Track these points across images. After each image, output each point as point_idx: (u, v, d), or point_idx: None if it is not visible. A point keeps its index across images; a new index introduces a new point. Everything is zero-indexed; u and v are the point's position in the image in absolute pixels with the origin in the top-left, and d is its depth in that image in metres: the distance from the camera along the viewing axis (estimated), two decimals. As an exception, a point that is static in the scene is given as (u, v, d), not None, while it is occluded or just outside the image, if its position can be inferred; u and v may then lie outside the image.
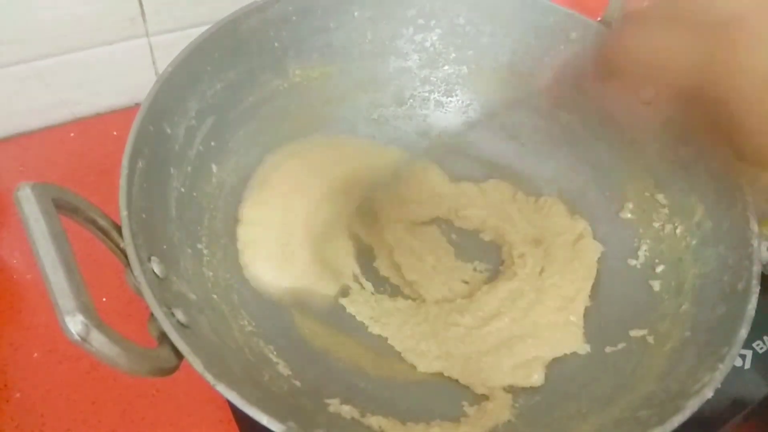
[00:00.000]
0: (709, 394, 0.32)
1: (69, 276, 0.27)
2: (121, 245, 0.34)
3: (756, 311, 0.35)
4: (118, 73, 0.58)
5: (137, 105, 0.55)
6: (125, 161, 0.36)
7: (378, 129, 0.54)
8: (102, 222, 0.34)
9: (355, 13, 0.50)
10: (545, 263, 0.46)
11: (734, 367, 0.33)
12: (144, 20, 0.55)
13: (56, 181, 0.50)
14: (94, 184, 0.54)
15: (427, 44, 0.53)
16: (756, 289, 0.36)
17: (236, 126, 0.47)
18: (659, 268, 0.44)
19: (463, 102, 0.55)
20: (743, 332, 0.34)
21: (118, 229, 0.34)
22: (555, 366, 0.42)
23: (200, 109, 0.44)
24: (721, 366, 0.33)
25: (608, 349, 0.41)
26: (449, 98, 0.55)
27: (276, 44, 0.48)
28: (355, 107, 0.53)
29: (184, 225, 0.41)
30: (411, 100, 0.55)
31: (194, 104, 0.43)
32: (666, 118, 0.42)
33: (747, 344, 0.34)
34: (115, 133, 0.59)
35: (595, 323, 0.44)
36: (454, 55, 0.53)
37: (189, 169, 0.43)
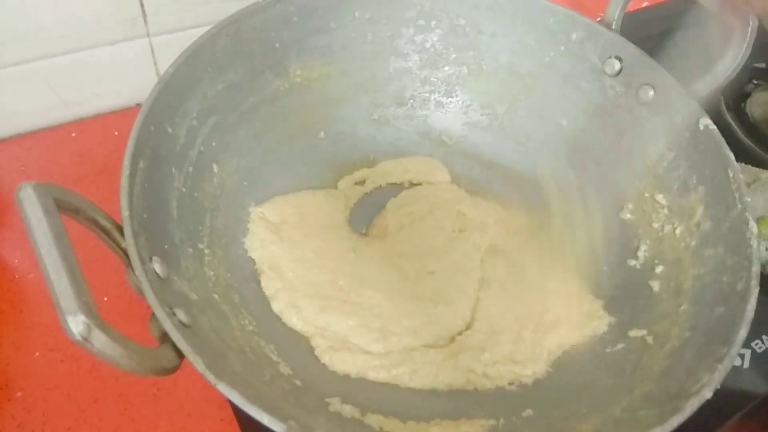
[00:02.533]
0: (708, 394, 0.32)
1: (71, 276, 0.27)
2: (123, 245, 0.34)
3: (755, 311, 0.35)
4: (119, 74, 0.58)
5: (138, 105, 0.55)
6: (127, 161, 0.36)
7: (378, 129, 0.54)
8: (103, 222, 0.34)
9: (356, 14, 0.51)
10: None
11: (733, 367, 0.33)
12: (145, 21, 0.56)
13: (57, 181, 0.50)
14: (95, 184, 0.54)
15: (428, 45, 0.53)
16: (755, 289, 0.36)
17: (237, 126, 0.47)
18: (659, 269, 0.44)
19: (463, 102, 0.55)
20: (742, 333, 0.34)
21: (120, 229, 0.34)
22: (555, 365, 0.42)
23: (202, 110, 0.44)
24: (720, 366, 0.33)
25: (608, 350, 0.41)
26: (450, 99, 0.55)
27: (277, 45, 0.48)
28: (355, 108, 0.53)
29: (186, 225, 0.41)
30: (411, 101, 0.55)
31: (196, 105, 0.44)
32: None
33: (746, 343, 0.35)
34: (116, 133, 0.59)
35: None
36: (454, 55, 0.54)
37: (190, 169, 0.43)
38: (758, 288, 0.36)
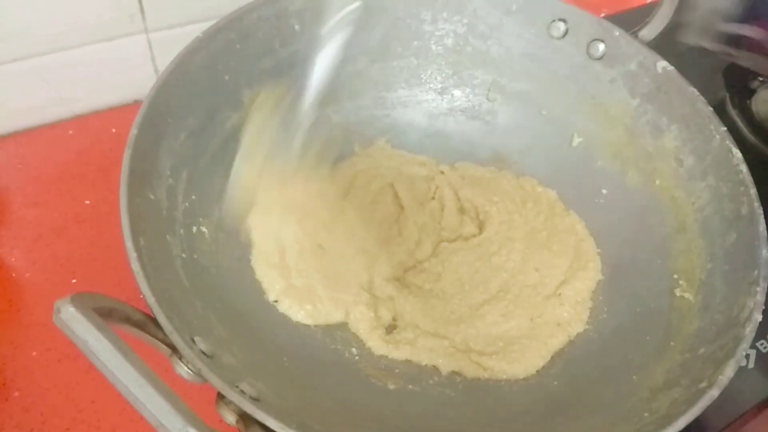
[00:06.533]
0: (759, 317, 0.34)
1: (159, 390, 0.24)
2: (160, 336, 0.31)
3: (762, 312, 0.35)
4: (117, 70, 0.58)
5: (136, 102, 0.58)
6: (130, 244, 0.33)
7: (347, 139, 0.53)
8: (136, 317, 0.31)
9: (296, 27, 0.48)
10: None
11: (738, 367, 0.33)
12: (143, 17, 0.55)
13: (55, 178, 0.54)
14: (93, 181, 0.54)
15: (372, 43, 0.52)
16: (759, 210, 0.38)
17: (210, 173, 0.44)
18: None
19: (420, 94, 0.55)
20: (765, 252, 0.37)
21: (153, 320, 0.31)
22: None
23: (173, 166, 0.41)
24: (758, 289, 0.35)
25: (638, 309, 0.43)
26: (409, 91, 0.54)
27: (226, 77, 0.46)
28: (315, 124, 0.51)
29: (199, 292, 0.38)
30: (369, 104, 0.54)
31: (167, 161, 0.40)
32: None
33: (751, 344, 0.34)
34: (114, 130, 0.58)
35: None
36: (399, 49, 0.53)
37: (181, 231, 0.40)
38: (761, 208, 0.39)
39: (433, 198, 0.52)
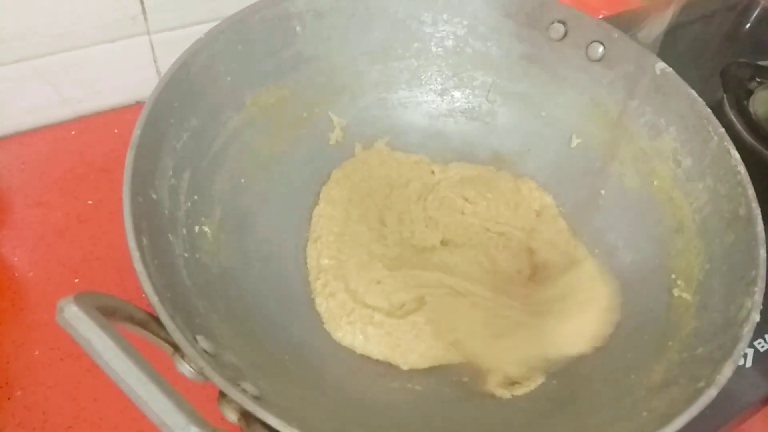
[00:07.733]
0: (756, 317, 0.34)
1: (162, 389, 0.25)
2: (162, 335, 0.32)
3: (760, 311, 0.35)
4: (119, 71, 0.59)
5: (138, 103, 0.59)
6: (132, 243, 0.33)
7: (345, 140, 0.53)
8: (138, 316, 0.31)
9: (297, 28, 0.49)
10: None
11: (736, 366, 0.33)
12: (145, 18, 0.56)
13: (57, 179, 0.54)
14: (95, 182, 0.54)
15: (372, 44, 0.52)
16: (757, 211, 0.39)
17: (212, 173, 0.44)
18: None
19: (421, 95, 0.55)
20: (763, 253, 0.37)
21: (155, 319, 0.32)
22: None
23: (176, 166, 0.41)
24: (756, 289, 0.35)
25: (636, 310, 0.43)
26: (410, 92, 0.55)
27: (228, 78, 0.46)
28: (316, 125, 0.52)
29: (201, 291, 0.38)
30: (369, 103, 0.54)
31: (169, 161, 0.41)
32: None
33: (749, 343, 0.34)
34: (116, 131, 0.58)
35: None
36: (400, 50, 0.53)
37: (184, 231, 0.40)
38: (759, 209, 0.39)
39: (425, 199, 0.52)
